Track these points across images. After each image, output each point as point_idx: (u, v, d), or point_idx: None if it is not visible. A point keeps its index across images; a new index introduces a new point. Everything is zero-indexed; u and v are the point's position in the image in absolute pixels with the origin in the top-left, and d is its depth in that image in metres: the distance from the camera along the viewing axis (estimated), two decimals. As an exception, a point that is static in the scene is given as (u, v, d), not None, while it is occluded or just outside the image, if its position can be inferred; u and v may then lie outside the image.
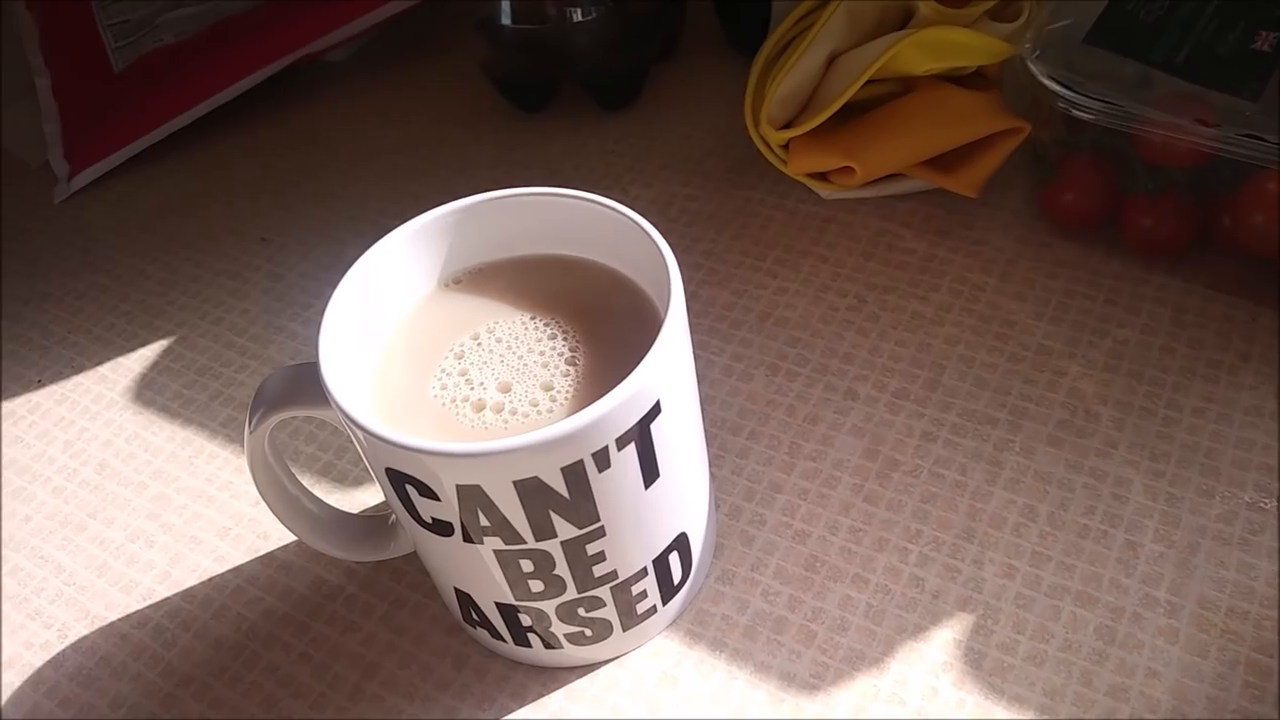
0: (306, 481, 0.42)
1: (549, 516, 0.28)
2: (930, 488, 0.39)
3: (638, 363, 0.27)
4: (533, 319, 0.32)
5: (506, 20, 0.52)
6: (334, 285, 0.31)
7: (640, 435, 0.28)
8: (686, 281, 0.47)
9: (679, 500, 0.32)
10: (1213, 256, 0.44)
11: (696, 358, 0.44)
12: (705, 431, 0.41)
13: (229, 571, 0.40)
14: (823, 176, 0.48)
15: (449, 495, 0.27)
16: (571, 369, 0.30)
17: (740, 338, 0.45)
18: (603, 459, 0.27)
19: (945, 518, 0.38)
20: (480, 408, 0.30)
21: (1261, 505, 0.37)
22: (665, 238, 0.30)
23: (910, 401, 0.42)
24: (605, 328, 0.31)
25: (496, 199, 0.32)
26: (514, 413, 0.29)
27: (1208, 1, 0.42)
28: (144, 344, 0.50)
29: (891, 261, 0.47)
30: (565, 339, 0.31)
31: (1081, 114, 0.40)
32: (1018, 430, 0.40)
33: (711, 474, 0.40)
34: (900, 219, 0.49)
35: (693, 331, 0.45)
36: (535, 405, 0.30)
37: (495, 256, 0.34)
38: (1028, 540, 0.37)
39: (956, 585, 0.36)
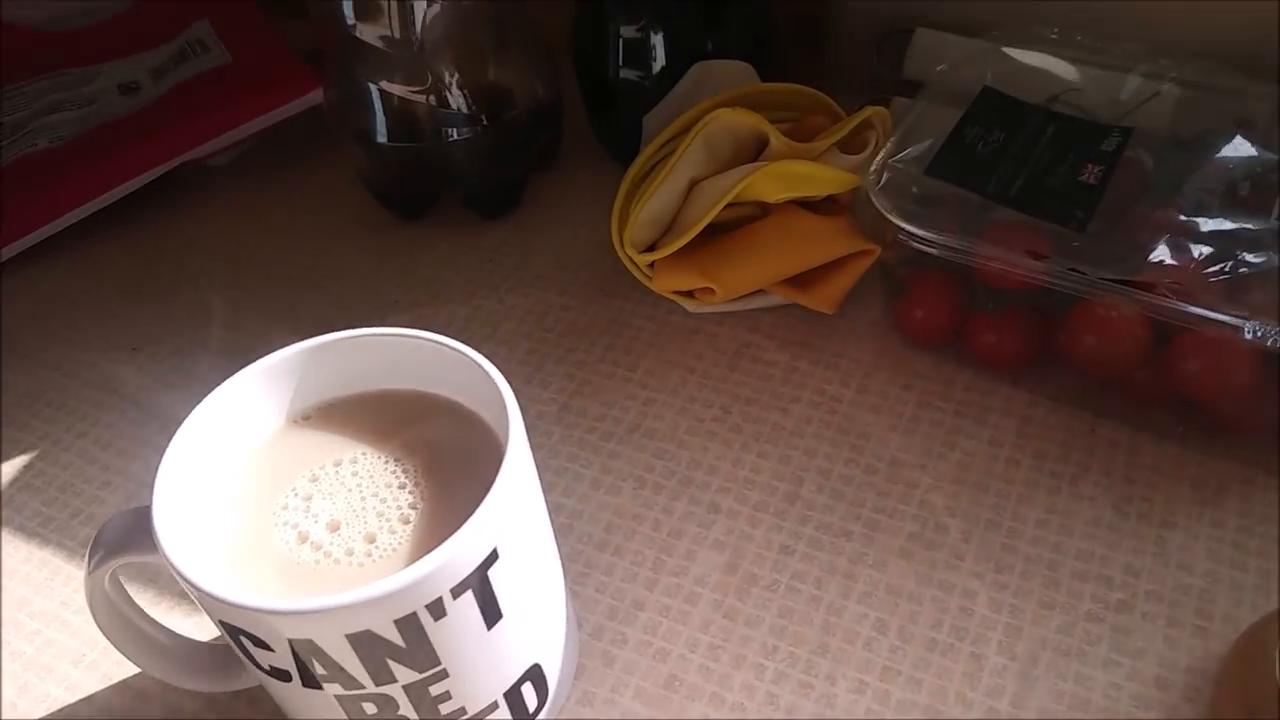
0: (165, 600, 0.41)
1: (386, 664, 0.28)
2: (787, 602, 0.40)
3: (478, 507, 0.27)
4: (397, 460, 0.32)
5: (382, 138, 0.53)
6: (201, 400, 0.31)
7: (479, 582, 0.28)
8: (559, 393, 0.48)
9: (528, 635, 0.32)
10: (1055, 369, 0.46)
11: (565, 471, 0.45)
12: (570, 549, 0.42)
13: (81, 701, 0.39)
14: (688, 293, 0.50)
15: (283, 647, 0.27)
16: (403, 526, 0.30)
17: (609, 450, 0.46)
18: (438, 609, 0.27)
19: (800, 632, 0.39)
20: (304, 539, 0.30)
21: (1099, 615, 0.38)
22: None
23: (770, 514, 0.43)
24: (450, 467, 0.32)
25: (343, 339, 0.33)
26: (328, 555, 0.30)
27: (1040, 136, 0.45)
28: (5, 459, 0.49)
29: (755, 373, 0.49)
30: (410, 490, 0.31)
31: (921, 246, 0.42)
32: (871, 543, 0.41)
33: (574, 593, 0.40)
34: (765, 330, 0.51)
35: (563, 444, 0.46)
36: (350, 554, 0.30)
37: (345, 392, 0.34)
38: (878, 655, 0.38)
39: (810, 702, 0.37)
